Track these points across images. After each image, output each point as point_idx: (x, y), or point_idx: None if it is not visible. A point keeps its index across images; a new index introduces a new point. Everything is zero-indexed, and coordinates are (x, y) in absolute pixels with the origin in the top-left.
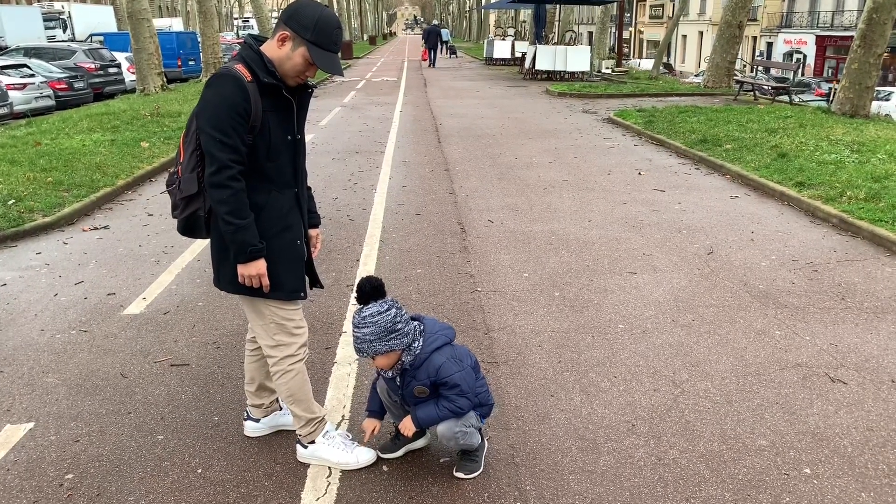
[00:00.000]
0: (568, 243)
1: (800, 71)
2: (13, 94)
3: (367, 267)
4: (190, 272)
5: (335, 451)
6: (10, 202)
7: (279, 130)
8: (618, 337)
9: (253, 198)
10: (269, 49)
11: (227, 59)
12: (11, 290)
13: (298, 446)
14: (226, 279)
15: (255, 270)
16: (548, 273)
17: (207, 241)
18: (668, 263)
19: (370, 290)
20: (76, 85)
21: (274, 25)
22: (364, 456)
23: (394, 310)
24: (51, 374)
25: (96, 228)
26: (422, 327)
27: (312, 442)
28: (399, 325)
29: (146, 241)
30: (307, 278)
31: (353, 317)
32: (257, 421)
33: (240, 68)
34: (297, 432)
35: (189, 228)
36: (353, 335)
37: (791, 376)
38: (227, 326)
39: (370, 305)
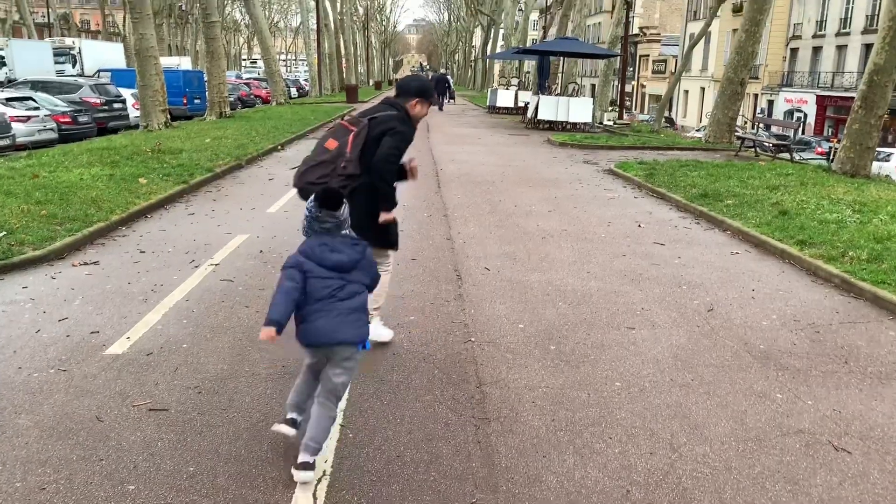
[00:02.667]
0: (565, 295)
1: (800, 129)
2: (17, 126)
3: None
4: (178, 312)
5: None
6: (1, 234)
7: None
8: (614, 395)
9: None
10: (409, 108)
11: (232, 99)
12: None
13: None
14: (373, 236)
15: (391, 216)
16: (544, 325)
17: (198, 281)
18: (668, 319)
19: (329, 196)
20: (80, 119)
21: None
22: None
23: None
24: (23, 414)
25: (86, 264)
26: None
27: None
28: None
29: (136, 278)
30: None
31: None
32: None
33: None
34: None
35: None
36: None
37: (793, 443)
38: (210, 371)
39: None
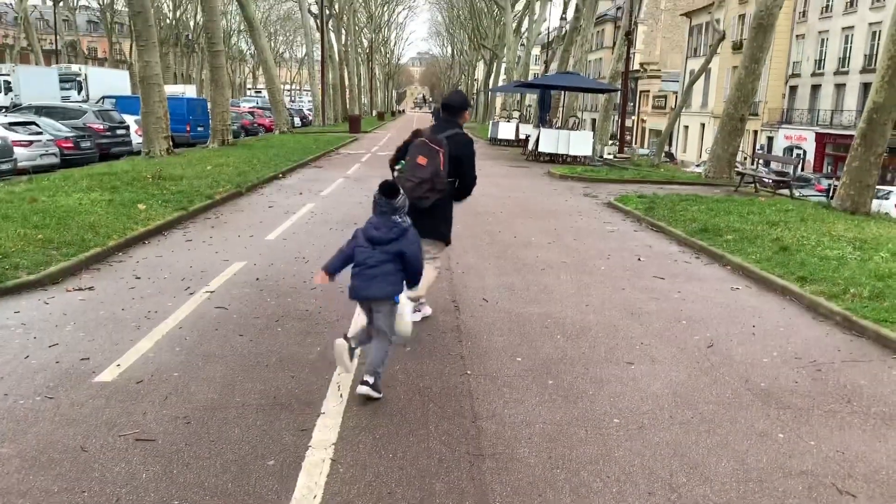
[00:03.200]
0: (564, 328)
1: (800, 166)
2: (18, 151)
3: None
4: (170, 340)
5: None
6: None
7: None
8: (612, 432)
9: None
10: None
11: (235, 127)
12: None
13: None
14: (449, 231)
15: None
16: (542, 359)
17: (192, 308)
18: (667, 355)
19: (388, 187)
20: (83, 144)
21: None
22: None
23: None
24: (6, 443)
25: (80, 289)
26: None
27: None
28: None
29: (130, 304)
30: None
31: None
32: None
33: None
34: (412, 297)
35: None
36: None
37: (796, 485)
38: (200, 400)
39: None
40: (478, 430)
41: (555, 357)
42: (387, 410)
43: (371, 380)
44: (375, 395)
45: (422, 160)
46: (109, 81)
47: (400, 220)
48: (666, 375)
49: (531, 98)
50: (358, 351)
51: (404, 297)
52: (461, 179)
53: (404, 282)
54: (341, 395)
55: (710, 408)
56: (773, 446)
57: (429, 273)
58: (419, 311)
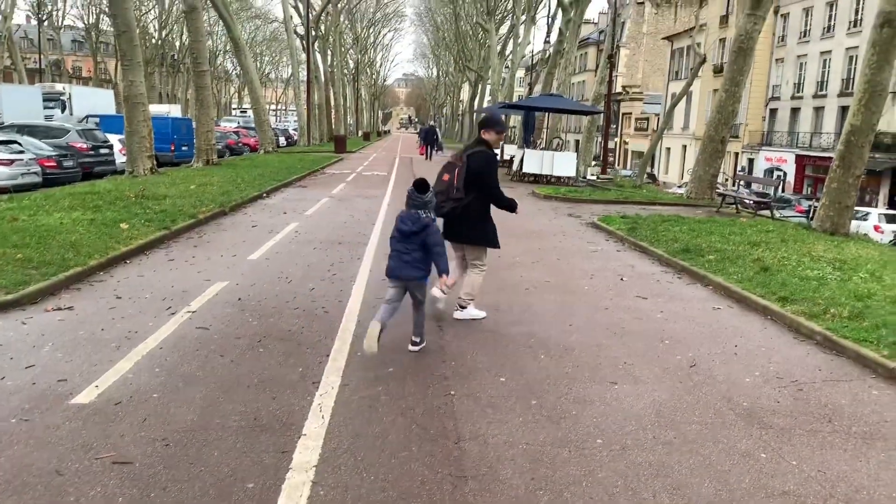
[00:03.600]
0: (548, 347)
1: (780, 187)
2: (0, 170)
3: (336, 363)
4: (150, 360)
5: (475, 311)
6: None
7: None
8: (596, 453)
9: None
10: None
11: (220, 146)
12: None
13: (458, 307)
14: (476, 236)
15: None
16: (525, 379)
17: (173, 328)
18: (650, 375)
19: (420, 184)
20: (65, 163)
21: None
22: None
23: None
24: None
25: (59, 309)
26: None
27: (465, 307)
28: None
29: (110, 324)
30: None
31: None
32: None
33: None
34: (465, 297)
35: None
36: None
37: None
38: (179, 422)
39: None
40: (461, 451)
41: (539, 377)
42: (369, 432)
43: (418, 339)
44: (422, 345)
45: (445, 176)
46: (94, 101)
47: (424, 215)
48: (649, 395)
49: (515, 119)
50: (378, 332)
51: (438, 292)
52: (483, 191)
53: (433, 265)
54: (323, 417)
55: (692, 428)
56: (755, 466)
57: (475, 278)
58: (475, 311)
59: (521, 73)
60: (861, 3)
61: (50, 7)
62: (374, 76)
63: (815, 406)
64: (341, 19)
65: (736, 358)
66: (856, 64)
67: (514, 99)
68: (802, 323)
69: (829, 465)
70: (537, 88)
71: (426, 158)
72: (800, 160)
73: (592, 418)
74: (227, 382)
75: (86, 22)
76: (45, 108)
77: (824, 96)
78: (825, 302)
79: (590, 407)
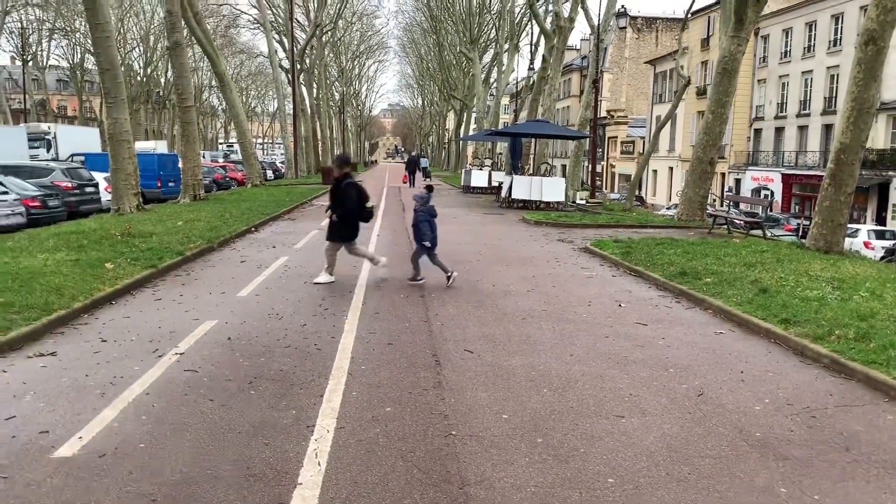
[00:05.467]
0: (550, 380)
1: (769, 207)
2: None
3: (331, 404)
4: (136, 407)
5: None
6: None
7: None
8: (608, 493)
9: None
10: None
11: (207, 181)
12: None
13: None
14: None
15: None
16: (529, 414)
17: (160, 372)
18: (657, 406)
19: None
20: (50, 203)
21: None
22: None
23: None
24: None
25: (42, 355)
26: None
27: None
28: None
29: (94, 370)
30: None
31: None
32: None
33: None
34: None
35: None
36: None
37: None
38: (167, 475)
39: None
40: (466, 497)
41: (542, 412)
42: (368, 479)
43: (450, 272)
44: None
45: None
46: (79, 139)
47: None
48: (658, 428)
49: (502, 146)
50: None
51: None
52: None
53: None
54: (319, 464)
55: (706, 462)
56: (775, 502)
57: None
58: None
59: (505, 100)
60: (840, 22)
61: (34, 48)
62: (359, 107)
63: (830, 434)
64: (326, 52)
65: (743, 385)
66: (838, 82)
67: (500, 125)
68: (808, 346)
69: (853, 499)
70: (523, 115)
71: (409, 185)
72: (786, 179)
73: (602, 455)
74: (218, 429)
75: (70, 61)
76: (31, 147)
77: (808, 115)
78: (828, 323)
79: (598, 443)
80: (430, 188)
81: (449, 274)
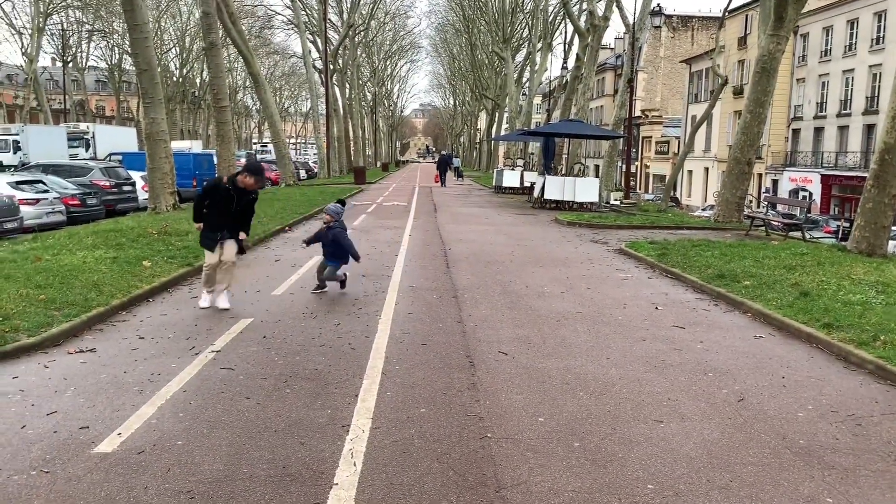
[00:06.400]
0: (586, 383)
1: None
2: (25, 209)
3: (365, 404)
4: (174, 404)
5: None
6: None
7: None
8: (647, 500)
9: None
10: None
11: None
12: None
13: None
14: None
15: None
16: (565, 418)
17: (197, 370)
18: (697, 411)
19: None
20: (89, 201)
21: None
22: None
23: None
24: None
25: (82, 351)
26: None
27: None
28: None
29: (132, 366)
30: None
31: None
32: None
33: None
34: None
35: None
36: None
37: None
38: (205, 472)
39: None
40: (503, 501)
41: (579, 416)
42: (404, 481)
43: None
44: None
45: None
46: (116, 139)
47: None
48: (698, 434)
49: (534, 146)
50: None
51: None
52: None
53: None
54: (355, 464)
55: (748, 469)
56: None
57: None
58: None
59: (538, 99)
60: (883, 20)
61: (74, 49)
62: (391, 107)
63: (877, 443)
64: (358, 52)
65: (785, 390)
66: (880, 81)
67: (532, 125)
68: (852, 351)
69: None
70: (556, 114)
71: (441, 185)
72: (825, 180)
73: (640, 461)
74: (254, 427)
75: (108, 62)
76: (70, 147)
77: (849, 115)
78: (873, 328)
79: (636, 448)
80: (342, 202)
81: (321, 288)
